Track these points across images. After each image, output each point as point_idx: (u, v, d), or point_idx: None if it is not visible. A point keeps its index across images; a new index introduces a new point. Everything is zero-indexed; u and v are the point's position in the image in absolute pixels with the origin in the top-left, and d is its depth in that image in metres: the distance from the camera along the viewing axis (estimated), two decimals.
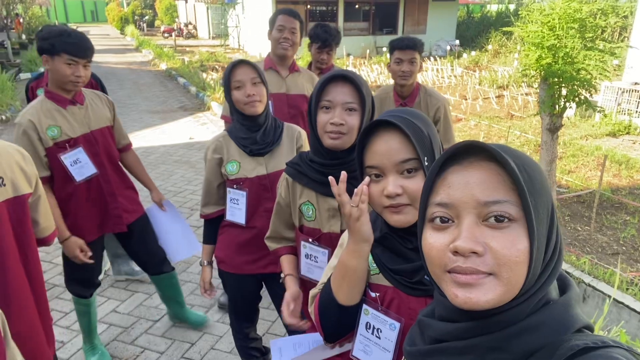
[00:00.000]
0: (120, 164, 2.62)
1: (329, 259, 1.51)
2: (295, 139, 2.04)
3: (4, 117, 8.86)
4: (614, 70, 10.00)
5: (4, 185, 1.50)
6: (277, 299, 2.20)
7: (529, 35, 4.33)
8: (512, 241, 0.64)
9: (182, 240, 2.77)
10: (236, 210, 2.01)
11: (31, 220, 1.67)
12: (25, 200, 1.60)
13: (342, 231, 1.53)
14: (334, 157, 1.48)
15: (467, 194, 0.67)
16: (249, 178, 1.97)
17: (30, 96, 3.22)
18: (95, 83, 3.24)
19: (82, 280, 2.58)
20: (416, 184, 1.03)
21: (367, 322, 1.14)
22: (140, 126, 8.33)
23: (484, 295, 0.65)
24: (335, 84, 1.42)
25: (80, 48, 2.16)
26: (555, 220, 0.69)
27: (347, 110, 1.41)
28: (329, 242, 1.57)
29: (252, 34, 19.13)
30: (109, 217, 2.50)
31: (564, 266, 3.52)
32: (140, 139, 7.52)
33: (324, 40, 3.10)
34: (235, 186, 1.98)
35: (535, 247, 0.64)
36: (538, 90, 4.66)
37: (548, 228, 0.67)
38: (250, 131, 1.96)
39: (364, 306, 1.14)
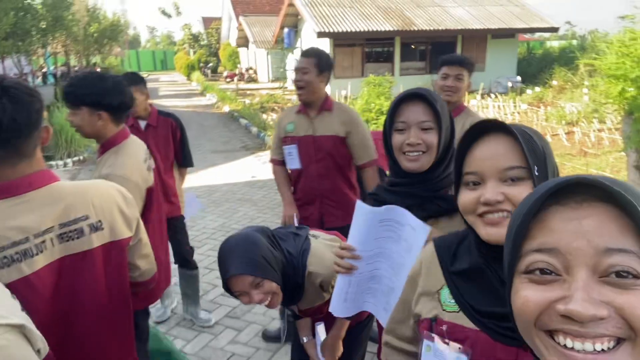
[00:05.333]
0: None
1: None
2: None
3: (81, 158, 9.46)
4: None
5: (102, 229, 1.39)
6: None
7: (609, 68, 4.09)
8: None
9: None
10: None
11: (130, 264, 1.55)
12: (125, 245, 1.48)
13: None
14: (415, 176, 1.41)
15: (579, 240, 0.54)
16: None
17: None
18: (175, 125, 3.33)
19: None
20: (521, 192, 0.88)
21: None
22: (205, 165, 8.59)
23: None
24: (407, 103, 1.38)
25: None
26: None
27: (422, 129, 1.35)
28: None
29: None
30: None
31: None
32: (205, 178, 7.74)
33: (448, 60, 2.62)
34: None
35: None
36: (619, 126, 4.36)
37: None
38: None
39: (425, 342, 0.99)
